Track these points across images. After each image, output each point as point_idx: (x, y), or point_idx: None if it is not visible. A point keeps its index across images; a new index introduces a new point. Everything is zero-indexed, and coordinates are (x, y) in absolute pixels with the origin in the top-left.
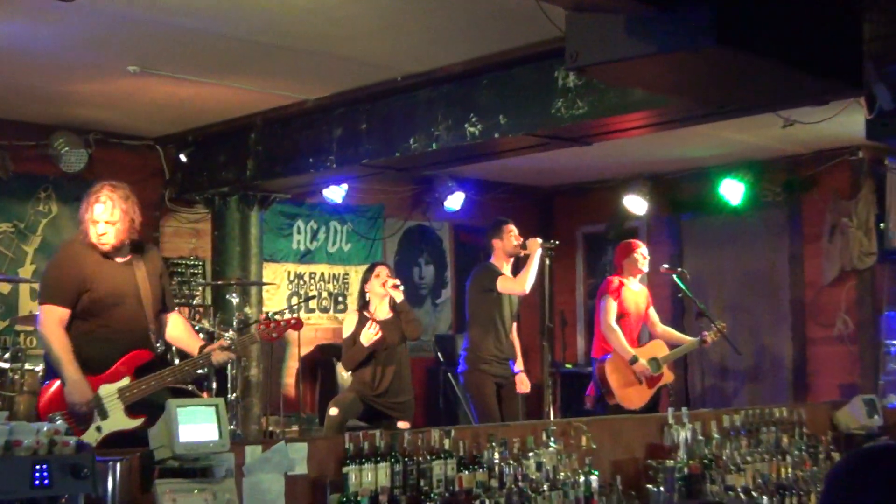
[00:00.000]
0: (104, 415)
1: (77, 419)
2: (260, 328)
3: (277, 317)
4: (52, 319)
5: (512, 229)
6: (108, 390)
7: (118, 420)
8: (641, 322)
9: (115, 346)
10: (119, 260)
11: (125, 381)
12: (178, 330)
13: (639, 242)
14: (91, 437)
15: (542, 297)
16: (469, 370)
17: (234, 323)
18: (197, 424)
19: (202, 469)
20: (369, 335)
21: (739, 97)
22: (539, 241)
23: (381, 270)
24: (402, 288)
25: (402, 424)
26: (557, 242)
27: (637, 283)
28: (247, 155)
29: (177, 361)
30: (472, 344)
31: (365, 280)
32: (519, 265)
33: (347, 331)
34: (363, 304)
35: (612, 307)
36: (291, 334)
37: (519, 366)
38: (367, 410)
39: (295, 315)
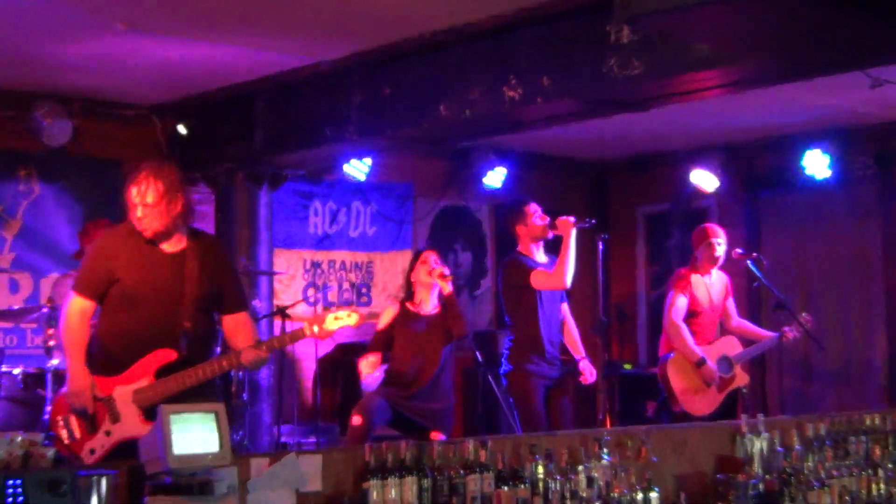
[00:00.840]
0: (115, 418)
1: (85, 421)
2: (311, 324)
3: (340, 317)
4: (72, 310)
5: (534, 210)
6: (122, 392)
7: (131, 425)
8: (718, 318)
9: (140, 345)
10: (167, 248)
11: (142, 383)
12: (233, 331)
13: (716, 229)
14: (99, 442)
15: (593, 287)
16: (513, 371)
17: None
18: (194, 434)
19: (200, 485)
20: (367, 370)
21: (821, 54)
22: (571, 220)
23: (429, 257)
24: (451, 278)
25: (435, 436)
26: (594, 221)
27: (714, 273)
28: (254, 126)
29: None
30: (515, 341)
31: (411, 268)
32: (550, 247)
33: (383, 322)
34: (408, 295)
35: (679, 304)
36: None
37: (579, 352)
38: (396, 417)
39: (348, 313)
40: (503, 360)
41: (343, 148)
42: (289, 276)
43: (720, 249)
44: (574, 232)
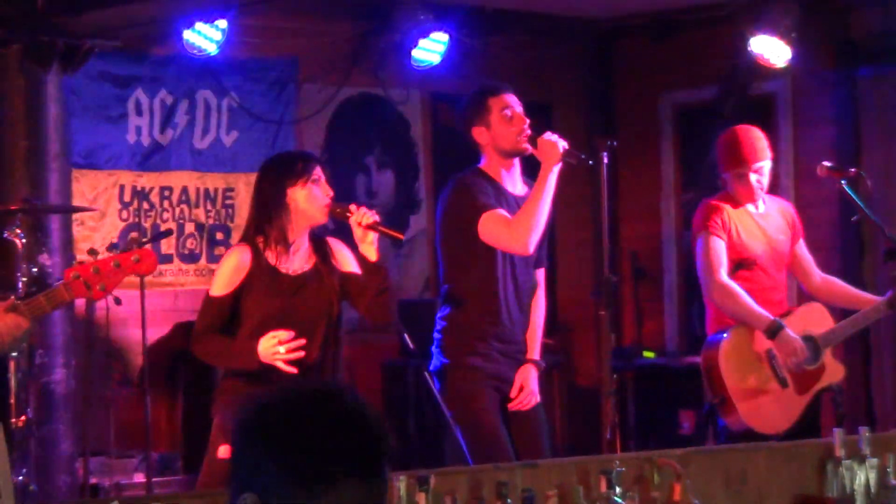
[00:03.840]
0: None
1: None
2: (71, 276)
3: (107, 254)
4: None
5: (507, 102)
6: None
7: None
8: (783, 269)
9: None
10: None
11: None
12: None
13: (752, 138)
14: None
15: (594, 225)
16: (449, 367)
17: (22, 282)
18: None
19: None
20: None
21: None
22: (561, 143)
23: (318, 171)
24: (376, 221)
25: None
26: (592, 162)
27: (767, 201)
28: None
29: None
30: (452, 318)
31: (283, 184)
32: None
33: (221, 279)
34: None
35: (717, 250)
36: (128, 296)
37: (531, 351)
38: None
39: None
40: (433, 348)
41: (181, 2)
42: (97, 213)
43: (756, 179)
44: (559, 164)
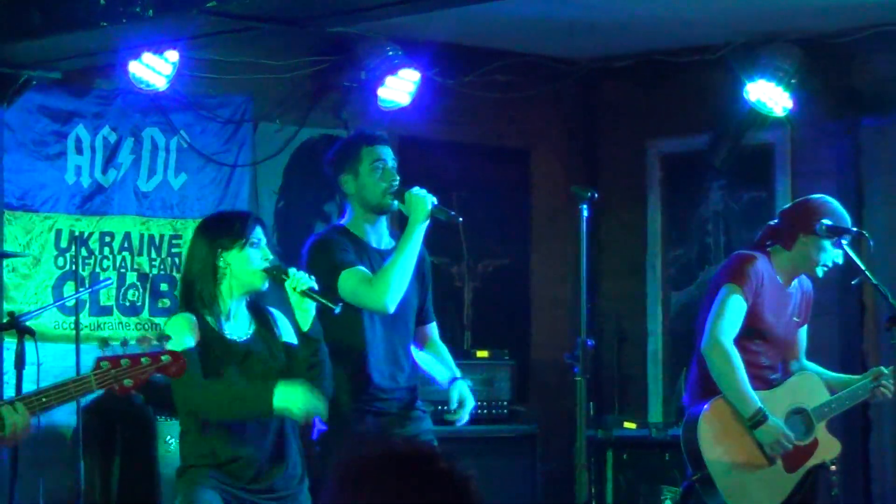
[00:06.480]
0: None
1: None
2: (100, 365)
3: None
4: None
5: (379, 155)
6: None
7: None
8: (784, 351)
9: None
10: None
11: None
12: None
13: (834, 206)
14: None
15: (571, 283)
16: (328, 433)
17: None
18: None
19: None
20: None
21: None
22: (430, 199)
23: (258, 233)
24: (311, 289)
25: None
26: (461, 220)
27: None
28: None
29: None
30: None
31: (217, 246)
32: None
33: (186, 333)
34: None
35: (737, 310)
36: (62, 350)
37: (450, 372)
38: None
39: (152, 338)
40: (315, 417)
41: (127, 33)
42: (31, 259)
43: (831, 255)
44: (426, 221)
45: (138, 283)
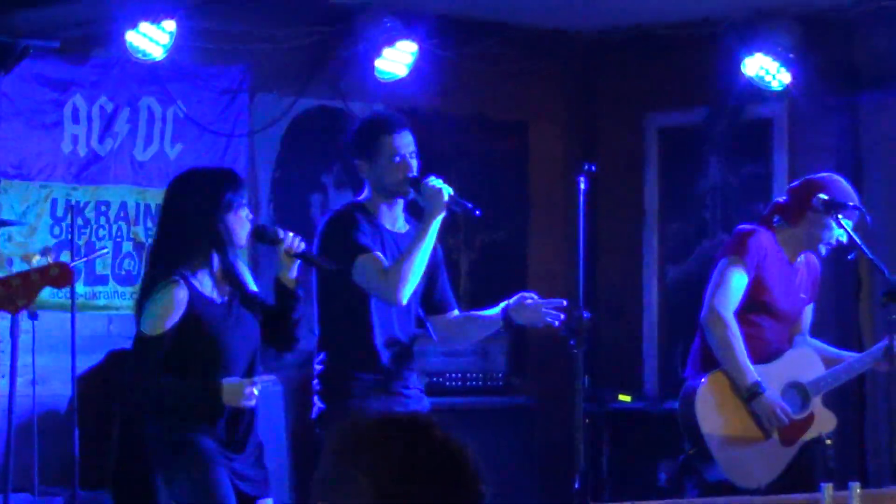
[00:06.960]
0: None
1: None
2: None
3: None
4: None
5: (399, 145)
6: None
7: None
8: (789, 326)
9: None
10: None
11: None
12: None
13: (839, 184)
14: None
15: (568, 257)
16: (327, 412)
17: None
18: None
19: None
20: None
21: None
22: (447, 190)
23: (243, 211)
24: (302, 248)
25: None
26: (478, 212)
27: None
28: None
29: None
30: (327, 365)
31: (212, 215)
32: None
33: (160, 318)
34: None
35: (734, 283)
36: (57, 318)
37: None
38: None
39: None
40: (314, 396)
41: (125, 2)
42: (27, 228)
43: (833, 234)
44: (442, 214)
45: (134, 253)
